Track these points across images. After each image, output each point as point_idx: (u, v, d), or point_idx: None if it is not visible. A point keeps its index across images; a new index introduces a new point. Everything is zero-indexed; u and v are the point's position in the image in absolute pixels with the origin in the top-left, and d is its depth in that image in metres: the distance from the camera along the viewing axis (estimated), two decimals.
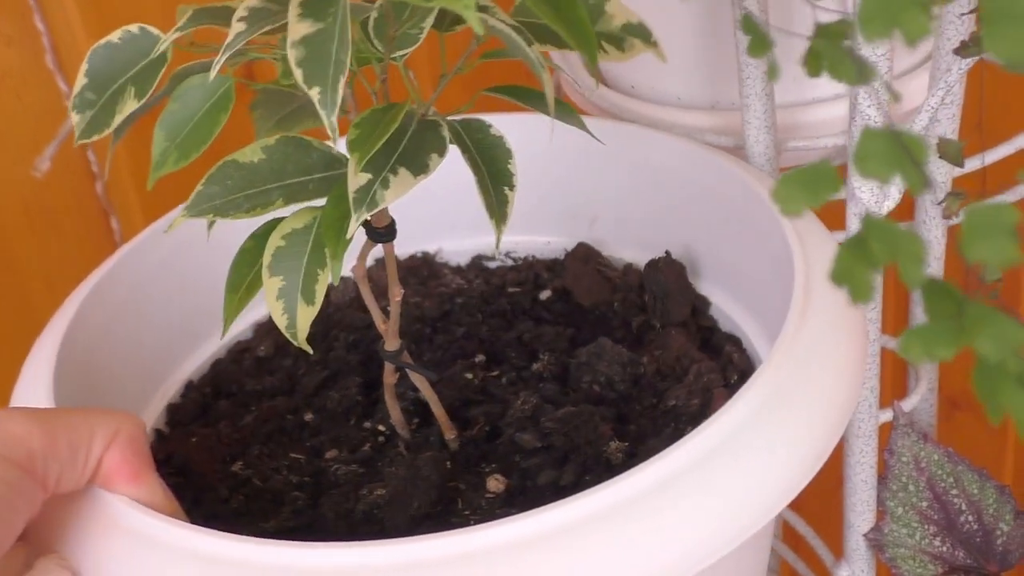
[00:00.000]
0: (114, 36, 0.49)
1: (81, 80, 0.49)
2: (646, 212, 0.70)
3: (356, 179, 0.44)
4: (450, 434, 0.59)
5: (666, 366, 0.63)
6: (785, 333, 0.51)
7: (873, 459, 0.69)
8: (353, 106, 0.50)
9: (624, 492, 0.44)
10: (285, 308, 0.48)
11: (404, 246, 0.74)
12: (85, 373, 0.60)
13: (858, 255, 0.31)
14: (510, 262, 0.74)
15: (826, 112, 0.70)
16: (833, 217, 0.63)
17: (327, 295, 0.66)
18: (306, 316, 0.48)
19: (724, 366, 0.62)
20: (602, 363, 0.62)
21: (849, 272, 0.31)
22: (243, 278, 0.51)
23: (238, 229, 0.52)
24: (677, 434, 0.53)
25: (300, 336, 0.48)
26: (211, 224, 0.50)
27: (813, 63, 0.35)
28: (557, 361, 0.64)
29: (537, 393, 0.61)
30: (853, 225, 0.62)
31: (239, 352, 0.69)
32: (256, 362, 0.68)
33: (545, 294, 0.70)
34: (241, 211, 0.47)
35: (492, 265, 0.74)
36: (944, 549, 0.68)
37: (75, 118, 0.49)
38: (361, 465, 0.58)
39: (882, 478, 0.69)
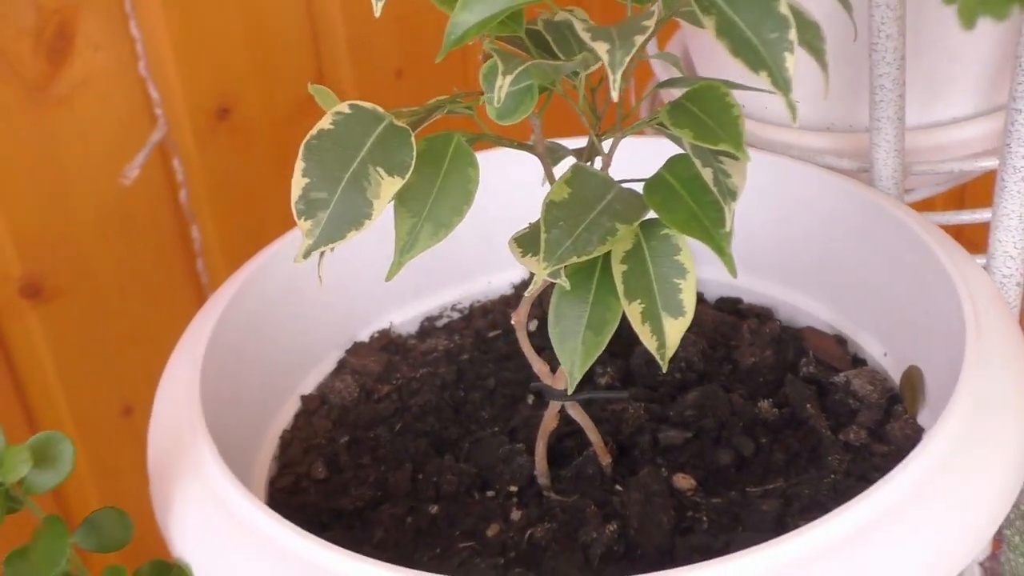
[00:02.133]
0: (325, 122, 0.46)
1: (300, 182, 0.45)
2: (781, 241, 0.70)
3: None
4: (606, 459, 0.58)
5: (720, 338, 0.67)
6: (968, 363, 0.51)
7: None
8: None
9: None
10: (653, 329, 0.47)
11: (353, 330, 0.71)
12: (224, 386, 0.59)
13: None
14: (456, 315, 0.73)
15: (951, 135, 0.70)
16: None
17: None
18: (676, 330, 0.47)
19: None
20: (676, 350, 0.63)
21: None
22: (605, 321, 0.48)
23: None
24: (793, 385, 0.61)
25: (668, 354, 0.47)
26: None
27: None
28: (617, 368, 0.64)
29: (631, 400, 0.62)
30: None
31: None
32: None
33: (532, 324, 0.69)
34: (593, 246, 0.45)
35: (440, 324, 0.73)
36: None
37: (305, 225, 0.45)
38: (544, 521, 0.57)
39: None
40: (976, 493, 0.47)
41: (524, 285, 0.73)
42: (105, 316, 0.90)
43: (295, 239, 0.66)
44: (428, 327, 0.72)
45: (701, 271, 0.67)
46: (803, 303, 0.68)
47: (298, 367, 0.67)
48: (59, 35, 0.81)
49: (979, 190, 0.92)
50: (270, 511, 0.48)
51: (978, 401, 0.50)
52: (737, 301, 0.70)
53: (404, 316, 0.72)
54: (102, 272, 0.89)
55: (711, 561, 0.44)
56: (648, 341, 0.47)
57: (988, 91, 0.69)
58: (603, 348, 0.48)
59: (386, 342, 0.70)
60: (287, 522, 0.48)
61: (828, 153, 0.70)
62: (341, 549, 0.47)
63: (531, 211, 0.49)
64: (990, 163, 0.65)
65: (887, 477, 0.46)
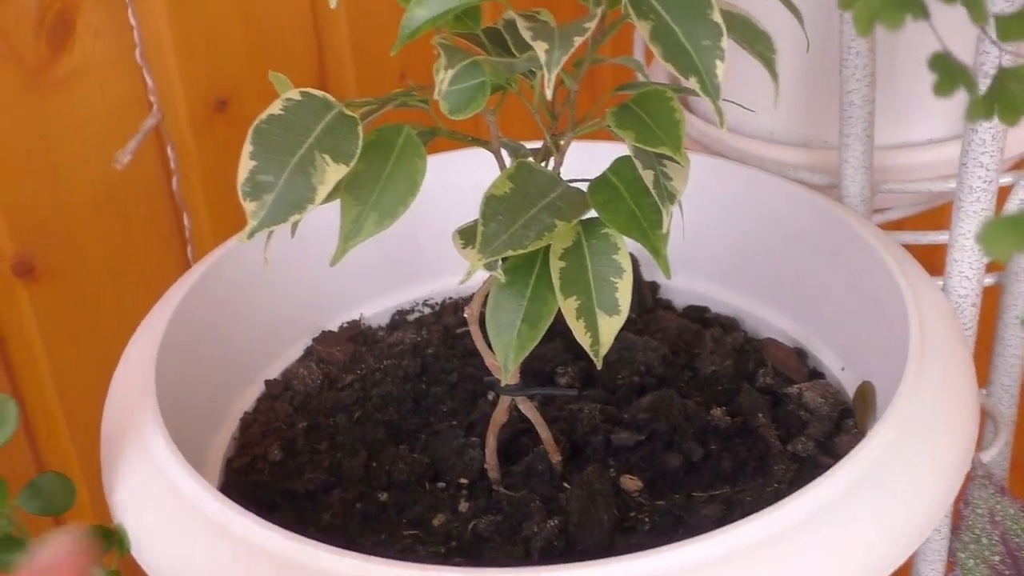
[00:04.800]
0: (274, 107, 0.47)
1: (247, 164, 0.46)
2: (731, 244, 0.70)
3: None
4: (556, 456, 0.59)
5: (683, 344, 0.67)
6: (907, 379, 0.52)
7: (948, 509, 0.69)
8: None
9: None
10: (587, 326, 0.48)
11: (323, 319, 0.72)
12: (185, 363, 0.60)
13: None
14: (427, 309, 0.74)
15: (923, 156, 0.70)
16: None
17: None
18: (611, 328, 0.48)
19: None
20: (637, 355, 0.64)
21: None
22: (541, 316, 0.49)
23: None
24: (747, 394, 0.62)
25: (602, 351, 0.48)
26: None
27: (986, 107, 0.35)
28: (579, 369, 0.65)
29: (588, 401, 0.63)
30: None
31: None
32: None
33: None
34: (529, 241, 0.46)
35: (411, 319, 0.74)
36: None
37: (250, 207, 0.46)
38: (489, 513, 0.58)
39: (955, 529, 0.69)
40: (900, 505, 0.48)
41: None
42: (96, 298, 0.92)
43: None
44: (398, 320, 0.73)
45: (673, 280, 0.68)
46: (769, 314, 0.69)
47: (266, 352, 0.68)
48: (60, 20, 0.83)
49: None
50: (206, 483, 0.49)
51: (913, 416, 0.51)
52: (704, 310, 0.71)
53: (376, 308, 0.73)
54: (94, 255, 0.91)
55: (636, 554, 0.45)
56: (582, 338, 0.48)
57: (957, 114, 0.70)
58: (538, 341, 0.49)
59: (354, 332, 0.71)
60: (223, 496, 0.49)
61: (802, 168, 0.71)
62: (275, 527, 0.48)
63: None
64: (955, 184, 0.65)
65: (809, 485, 0.47)
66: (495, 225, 0.47)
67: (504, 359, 0.49)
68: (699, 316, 0.71)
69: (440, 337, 0.70)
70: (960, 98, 0.69)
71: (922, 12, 0.31)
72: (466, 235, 0.49)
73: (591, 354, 0.48)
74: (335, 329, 0.71)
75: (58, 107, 0.85)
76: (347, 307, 0.72)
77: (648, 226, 0.48)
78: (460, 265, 0.74)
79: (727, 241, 0.70)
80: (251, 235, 0.47)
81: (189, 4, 0.87)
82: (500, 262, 0.48)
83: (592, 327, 0.48)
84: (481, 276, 0.74)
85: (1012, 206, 0.60)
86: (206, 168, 0.93)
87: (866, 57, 0.63)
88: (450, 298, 0.74)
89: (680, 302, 0.72)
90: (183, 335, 0.60)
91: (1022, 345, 0.71)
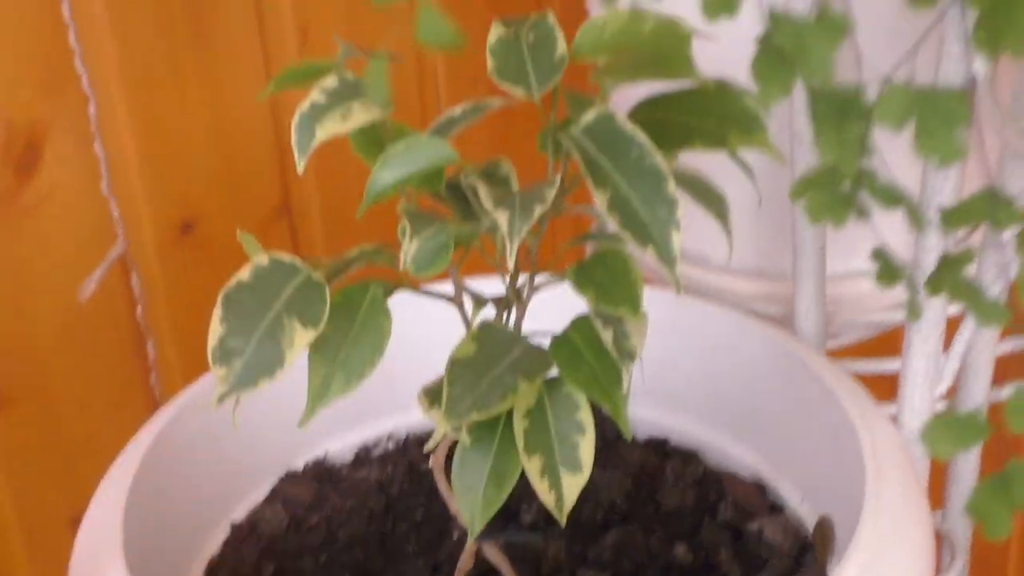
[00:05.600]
0: (243, 274, 0.49)
1: (216, 330, 0.48)
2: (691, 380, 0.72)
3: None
4: None
5: (645, 477, 0.68)
6: (864, 520, 0.53)
7: None
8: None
9: None
10: (551, 484, 0.49)
11: (289, 457, 0.72)
12: (152, 510, 0.60)
13: (998, 492, 0.32)
14: (392, 445, 0.74)
15: (872, 286, 0.72)
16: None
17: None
18: (574, 486, 0.49)
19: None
20: (601, 490, 0.64)
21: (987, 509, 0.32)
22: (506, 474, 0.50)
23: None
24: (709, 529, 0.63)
25: (566, 508, 0.48)
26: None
27: (935, 286, 0.36)
28: (542, 506, 0.66)
29: (554, 537, 0.64)
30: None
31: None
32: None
33: None
34: (495, 403, 0.47)
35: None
36: None
37: (220, 372, 0.47)
38: None
39: None
40: None
41: None
42: (58, 427, 0.92)
43: None
44: (363, 456, 0.73)
45: (633, 410, 0.69)
46: (729, 445, 0.70)
47: (231, 494, 0.68)
48: (28, 149, 0.84)
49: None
50: None
51: (872, 555, 0.52)
52: (664, 441, 0.72)
53: (340, 444, 0.73)
54: (57, 383, 0.91)
55: None
56: (546, 496, 0.49)
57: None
58: (504, 499, 0.50)
59: (319, 471, 0.71)
60: None
61: (759, 299, 0.73)
62: None
63: None
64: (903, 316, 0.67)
65: None
66: (460, 387, 0.48)
67: (470, 519, 0.49)
68: (659, 448, 0.72)
69: (405, 472, 0.71)
70: (903, 229, 0.71)
71: (864, 213, 0.32)
72: (432, 395, 0.50)
73: (555, 512, 0.49)
74: (300, 467, 0.72)
75: (24, 235, 0.86)
76: (312, 444, 0.72)
77: (608, 385, 0.49)
78: None
79: (686, 373, 0.71)
80: (221, 400, 0.48)
81: (155, 127, 0.88)
82: (465, 424, 0.49)
83: (556, 485, 0.49)
84: None
85: (959, 347, 0.62)
86: (171, 294, 0.93)
87: None
88: (414, 432, 0.75)
89: (641, 433, 0.73)
90: (150, 482, 0.61)
91: (974, 468, 0.73)
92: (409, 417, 0.75)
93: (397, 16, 1.00)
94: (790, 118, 0.64)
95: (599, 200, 0.46)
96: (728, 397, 0.70)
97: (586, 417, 0.50)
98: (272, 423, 0.69)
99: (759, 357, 0.67)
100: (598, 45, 0.54)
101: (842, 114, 0.31)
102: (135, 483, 0.60)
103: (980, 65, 0.48)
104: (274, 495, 0.70)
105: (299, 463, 0.72)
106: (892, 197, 0.31)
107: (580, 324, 0.51)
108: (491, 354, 0.49)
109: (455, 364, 0.48)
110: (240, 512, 0.68)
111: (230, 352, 0.48)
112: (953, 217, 0.33)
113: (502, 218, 0.46)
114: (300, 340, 0.48)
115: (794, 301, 0.68)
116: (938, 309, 0.59)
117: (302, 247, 1.00)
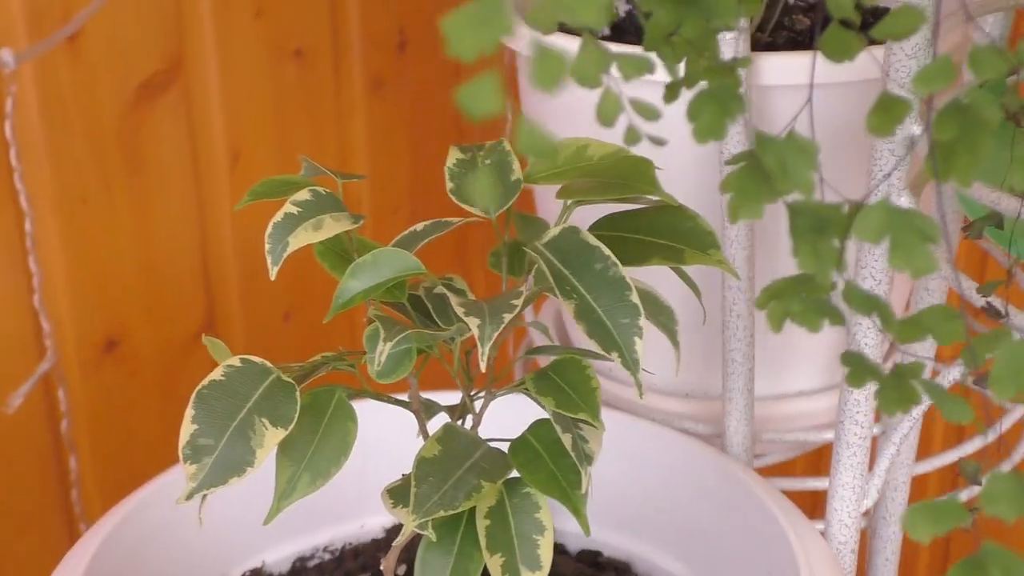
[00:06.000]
0: (216, 374, 0.50)
1: (188, 428, 0.49)
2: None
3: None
4: None
5: None
6: None
7: None
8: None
9: None
10: None
11: (227, 566, 0.72)
12: None
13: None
14: (328, 556, 0.75)
15: (797, 406, 0.75)
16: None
17: None
18: None
19: None
20: None
21: None
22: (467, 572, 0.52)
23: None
24: None
25: None
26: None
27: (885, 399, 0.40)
28: None
29: None
30: None
31: None
32: None
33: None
34: (459, 502, 0.49)
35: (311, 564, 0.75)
36: None
37: (190, 470, 0.48)
38: None
39: None
40: None
41: (396, 529, 0.76)
42: None
43: (175, 478, 0.68)
44: (300, 567, 0.74)
45: (564, 523, 0.71)
46: (659, 558, 0.72)
47: None
48: None
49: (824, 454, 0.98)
50: None
51: None
52: (597, 554, 0.74)
53: (277, 555, 0.74)
54: None
55: None
56: None
57: (831, 369, 0.76)
58: None
59: None
60: None
61: (686, 418, 0.76)
62: None
63: (405, 459, 0.53)
64: (830, 435, 0.71)
65: None
66: (427, 487, 0.50)
67: None
68: (592, 560, 0.74)
69: None
70: (823, 353, 0.75)
71: (840, 320, 0.35)
72: (396, 494, 0.52)
73: None
74: None
75: None
76: (250, 555, 0.73)
77: (568, 486, 0.51)
78: (360, 512, 0.77)
79: (617, 487, 0.73)
80: (189, 496, 0.49)
81: (85, 246, 0.89)
82: (430, 522, 0.50)
83: None
84: (379, 524, 0.76)
85: (883, 462, 0.66)
86: (93, 410, 0.93)
87: (746, 319, 0.68)
88: (350, 544, 0.75)
89: (573, 546, 0.75)
90: None
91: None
92: (345, 528, 0.76)
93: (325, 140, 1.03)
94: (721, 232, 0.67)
95: (567, 308, 0.49)
96: (660, 511, 0.72)
97: (545, 517, 0.52)
98: (211, 533, 0.70)
99: (691, 472, 0.70)
100: (552, 170, 0.57)
101: (819, 229, 0.34)
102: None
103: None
104: None
105: (236, 573, 0.72)
106: (868, 304, 0.35)
107: (538, 428, 0.53)
108: (455, 455, 0.51)
109: (423, 463, 0.50)
110: None
111: (201, 449, 0.49)
112: (906, 330, 0.36)
113: (474, 324, 0.48)
114: (270, 440, 0.50)
115: (724, 419, 0.71)
116: (865, 426, 0.63)
117: None
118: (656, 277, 0.57)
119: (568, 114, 0.70)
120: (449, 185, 0.58)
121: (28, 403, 0.89)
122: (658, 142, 0.39)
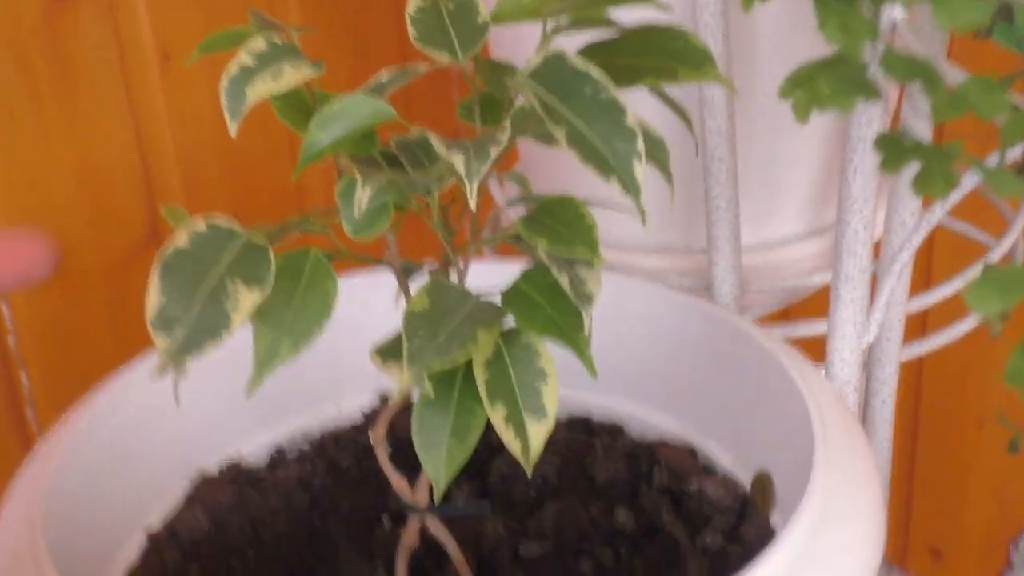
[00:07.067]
0: (181, 240, 0.46)
1: (156, 300, 0.45)
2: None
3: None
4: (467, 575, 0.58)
5: (573, 455, 0.67)
6: (816, 468, 0.53)
7: None
8: None
9: None
10: (516, 433, 0.47)
11: (201, 459, 0.69)
12: (70, 520, 0.57)
13: None
14: (307, 444, 0.72)
15: (785, 253, 0.73)
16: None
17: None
18: (540, 433, 0.47)
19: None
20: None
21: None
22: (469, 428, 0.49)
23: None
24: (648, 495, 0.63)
25: (533, 457, 0.47)
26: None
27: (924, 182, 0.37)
28: (474, 487, 0.65)
29: (489, 516, 0.62)
30: None
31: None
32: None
33: None
34: (455, 353, 0.45)
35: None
36: None
37: (162, 342, 0.45)
38: None
39: None
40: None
41: (375, 412, 0.73)
42: None
43: (140, 374, 0.65)
44: (278, 457, 0.71)
45: None
46: (652, 417, 0.70)
47: (145, 502, 0.65)
48: None
49: (804, 306, 0.96)
50: None
51: (826, 503, 0.52)
52: (586, 420, 0.72)
53: (253, 445, 0.70)
54: None
55: None
56: (512, 445, 0.47)
57: (816, 212, 0.73)
58: (469, 455, 0.48)
59: (236, 473, 0.68)
60: None
61: (669, 273, 0.73)
62: None
63: (378, 335, 0.50)
64: (822, 278, 0.68)
65: None
66: (419, 341, 0.46)
67: (435, 475, 0.48)
68: (583, 426, 0.71)
69: (325, 469, 0.68)
70: (809, 197, 0.73)
71: (876, 93, 0.32)
72: (387, 352, 0.49)
73: (522, 460, 0.48)
74: (215, 471, 0.68)
75: None
76: (223, 446, 0.69)
77: (569, 328, 0.48)
78: (338, 394, 0.73)
79: (602, 348, 0.70)
80: (163, 366, 0.46)
81: (19, 163, 0.85)
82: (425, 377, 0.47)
83: (522, 434, 0.48)
84: (357, 405, 0.73)
85: (883, 295, 0.63)
86: (40, 325, 0.90)
87: (728, 162, 0.65)
88: (328, 429, 0.72)
89: (560, 413, 0.72)
90: (61, 502, 0.57)
91: (890, 426, 0.74)
92: (321, 413, 0.72)
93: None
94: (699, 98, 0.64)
95: (558, 135, 0.45)
96: (649, 369, 0.69)
97: (547, 364, 0.49)
98: (181, 425, 0.66)
99: (679, 326, 0.67)
100: (519, 7, 0.53)
101: None
102: (48, 494, 0.56)
103: None
104: (191, 500, 0.66)
105: (212, 465, 0.69)
106: (911, 68, 0.31)
107: (530, 275, 0.50)
108: (445, 307, 0.48)
109: (412, 317, 0.47)
110: (155, 519, 0.65)
111: (171, 320, 0.46)
112: (946, 106, 0.33)
113: (458, 160, 0.45)
114: (246, 302, 0.46)
115: (710, 270, 0.69)
116: (865, 258, 0.60)
117: None
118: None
119: None
120: (412, 32, 0.53)
121: None
122: None
